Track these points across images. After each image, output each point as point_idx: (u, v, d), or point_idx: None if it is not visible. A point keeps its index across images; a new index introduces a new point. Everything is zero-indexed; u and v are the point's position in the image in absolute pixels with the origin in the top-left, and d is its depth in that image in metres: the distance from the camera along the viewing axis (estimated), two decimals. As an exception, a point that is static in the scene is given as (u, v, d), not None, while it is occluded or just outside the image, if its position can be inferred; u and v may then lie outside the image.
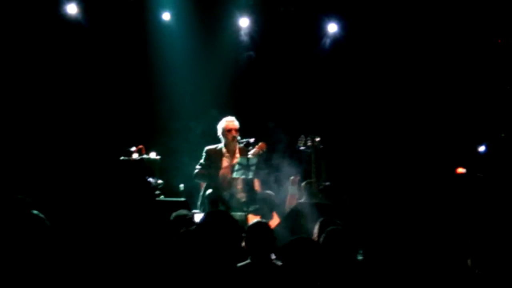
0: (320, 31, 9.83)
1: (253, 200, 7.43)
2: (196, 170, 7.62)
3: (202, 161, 7.64)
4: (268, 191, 7.56)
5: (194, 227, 5.16)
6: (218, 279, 3.27)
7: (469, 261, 4.26)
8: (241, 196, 7.51)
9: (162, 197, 7.84)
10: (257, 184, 7.67)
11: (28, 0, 9.04)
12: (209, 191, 7.39)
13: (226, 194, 7.48)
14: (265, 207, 7.35)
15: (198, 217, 5.30)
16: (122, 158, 7.74)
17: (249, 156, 7.26)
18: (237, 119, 7.75)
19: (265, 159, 7.56)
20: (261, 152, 7.37)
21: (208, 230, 3.31)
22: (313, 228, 5.31)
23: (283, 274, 4.12)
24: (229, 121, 7.66)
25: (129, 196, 7.47)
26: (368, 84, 9.69)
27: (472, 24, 9.10)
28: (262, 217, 6.99)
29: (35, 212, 3.99)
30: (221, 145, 7.70)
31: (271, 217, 7.24)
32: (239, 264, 4.55)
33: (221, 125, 7.68)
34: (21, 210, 4.04)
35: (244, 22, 9.71)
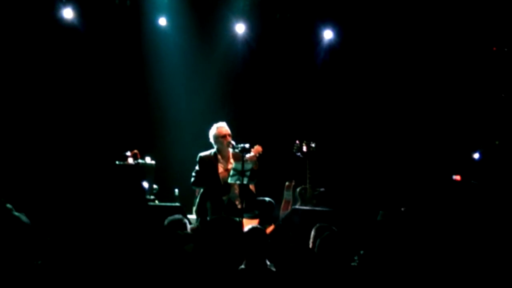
0: (316, 38, 9.85)
1: (252, 206, 7.40)
2: (193, 178, 7.57)
3: (197, 168, 7.59)
4: (268, 198, 7.54)
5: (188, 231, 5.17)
6: (216, 283, 3.26)
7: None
8: (239, 201, 7.49)
9: (156, 202, 7.83)
10: (252, 188, 7.64)
11: (24, 4, 9.02)
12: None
13: (224, 199, 7.46)
14: (265, 213, 7.32)
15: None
16: (117, 162, 7.74)
17: (246, 159, 7.21)
18: (233, 124, 7.74)
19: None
20: (257, 155, 7.34)
21: (210, 234, 3.30)
22: (308, 234, 5.31)
23: (278, 280, 4.11)
24: (221, 127, 7.59)
25: (124, 200, 7.46)
26: (364, 90, 9.71)
27: (467, 32, 9.14)
28: (260, 223, 6.96)
29: (16, 213, 3.97)
30: (213, 151, 7.65)
31: (270, 224, 7.22)
32: (234, 269, 4.54)
33: (213, 132, 7.62)
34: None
35: (240, 28, 9.73)
